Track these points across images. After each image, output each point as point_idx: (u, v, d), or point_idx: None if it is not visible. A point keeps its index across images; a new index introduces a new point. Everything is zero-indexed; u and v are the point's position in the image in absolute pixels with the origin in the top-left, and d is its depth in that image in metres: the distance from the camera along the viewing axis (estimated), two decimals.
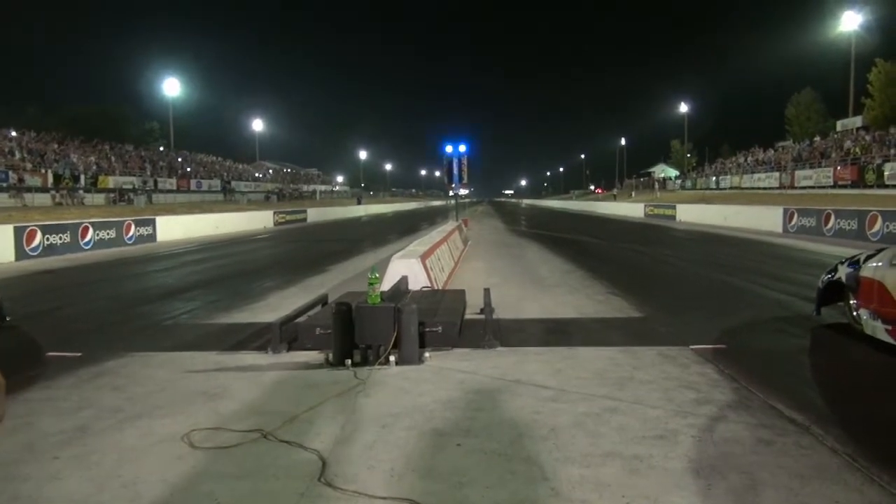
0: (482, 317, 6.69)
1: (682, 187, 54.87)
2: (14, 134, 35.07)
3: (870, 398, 4.52)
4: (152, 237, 21.51)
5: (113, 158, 39.73)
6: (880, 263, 5.73)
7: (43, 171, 31.53)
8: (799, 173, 33.91)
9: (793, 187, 33.47)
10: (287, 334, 5.95)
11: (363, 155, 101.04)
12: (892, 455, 3.32)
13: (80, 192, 31.62)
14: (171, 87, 50.52)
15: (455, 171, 17.48)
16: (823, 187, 30.32)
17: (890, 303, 5.44)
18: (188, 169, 47.31)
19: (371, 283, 5.59)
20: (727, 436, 3.62)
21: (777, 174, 36.70)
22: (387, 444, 3.61)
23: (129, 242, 20.01)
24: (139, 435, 3.81)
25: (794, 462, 3.25)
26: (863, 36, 36.23)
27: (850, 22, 35.54)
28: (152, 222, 21.94)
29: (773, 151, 42.73)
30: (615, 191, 72.64)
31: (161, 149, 50.99)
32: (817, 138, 38.24)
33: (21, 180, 29.47)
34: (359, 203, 59.01)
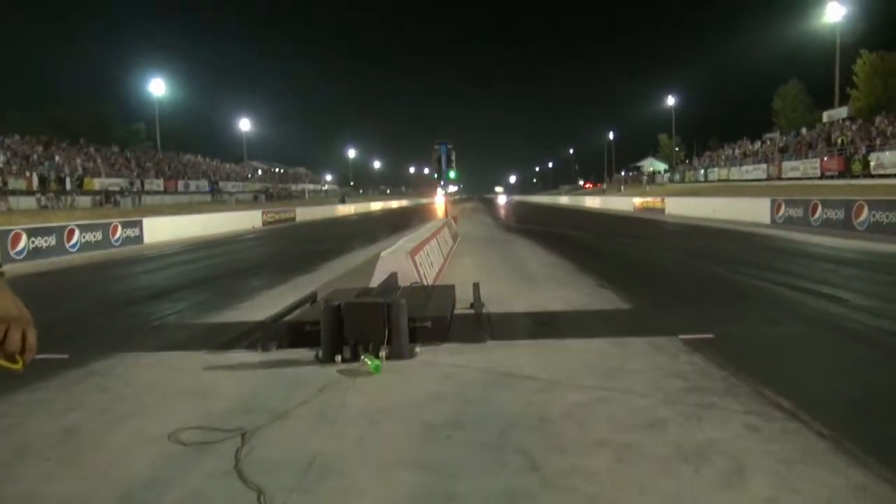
0: (472, 312, 6.70)
1: (671, 181, 55.05)
2: None
3: (856, 384, 4.56)
4: (139, 239, 21.31)
5: (99, 160, 39.37)
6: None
7: (28, 174, 31.19)
8: (786, 164, 34.09)
9: (780, 178, 33.66)
10: (276, 332, 5.92)
11: (351, 153, 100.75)
12: (878, 438, 3.36)
13: (72, 195, 31.32)
14: (157, 88, 50.04)
15: (444, 165, 17.53)
16: (810, 178, 30.46)
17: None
18: (175, 168, 46.96)
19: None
20: (715, 423, 3.65)
21: (765, 166, 36.88)
22: (377, 439, 3.61)
23: (116, 245, 19.80)
24: (128, 434, 3.79)
25: (780, 447, 3.28)
26: (847, 27, 36.48)
27: (834, 13, 35.74)
28: (139, 224, 21.73)
29: (760, 143, 42.97)
30: (603, 185, 72.84)
31: (148, 150, 50.54)
32: (804, 129, 38.45)
33: (5, 183, 29.15)
34: (342, 202, 58.64)
